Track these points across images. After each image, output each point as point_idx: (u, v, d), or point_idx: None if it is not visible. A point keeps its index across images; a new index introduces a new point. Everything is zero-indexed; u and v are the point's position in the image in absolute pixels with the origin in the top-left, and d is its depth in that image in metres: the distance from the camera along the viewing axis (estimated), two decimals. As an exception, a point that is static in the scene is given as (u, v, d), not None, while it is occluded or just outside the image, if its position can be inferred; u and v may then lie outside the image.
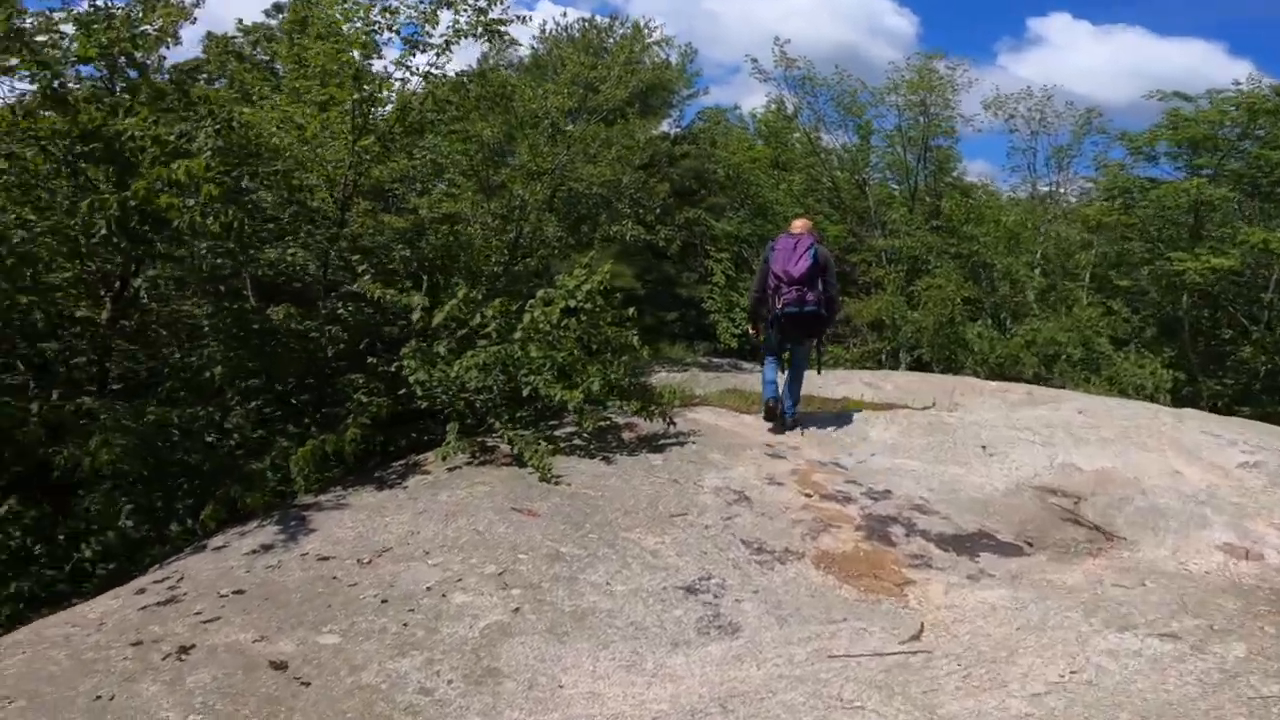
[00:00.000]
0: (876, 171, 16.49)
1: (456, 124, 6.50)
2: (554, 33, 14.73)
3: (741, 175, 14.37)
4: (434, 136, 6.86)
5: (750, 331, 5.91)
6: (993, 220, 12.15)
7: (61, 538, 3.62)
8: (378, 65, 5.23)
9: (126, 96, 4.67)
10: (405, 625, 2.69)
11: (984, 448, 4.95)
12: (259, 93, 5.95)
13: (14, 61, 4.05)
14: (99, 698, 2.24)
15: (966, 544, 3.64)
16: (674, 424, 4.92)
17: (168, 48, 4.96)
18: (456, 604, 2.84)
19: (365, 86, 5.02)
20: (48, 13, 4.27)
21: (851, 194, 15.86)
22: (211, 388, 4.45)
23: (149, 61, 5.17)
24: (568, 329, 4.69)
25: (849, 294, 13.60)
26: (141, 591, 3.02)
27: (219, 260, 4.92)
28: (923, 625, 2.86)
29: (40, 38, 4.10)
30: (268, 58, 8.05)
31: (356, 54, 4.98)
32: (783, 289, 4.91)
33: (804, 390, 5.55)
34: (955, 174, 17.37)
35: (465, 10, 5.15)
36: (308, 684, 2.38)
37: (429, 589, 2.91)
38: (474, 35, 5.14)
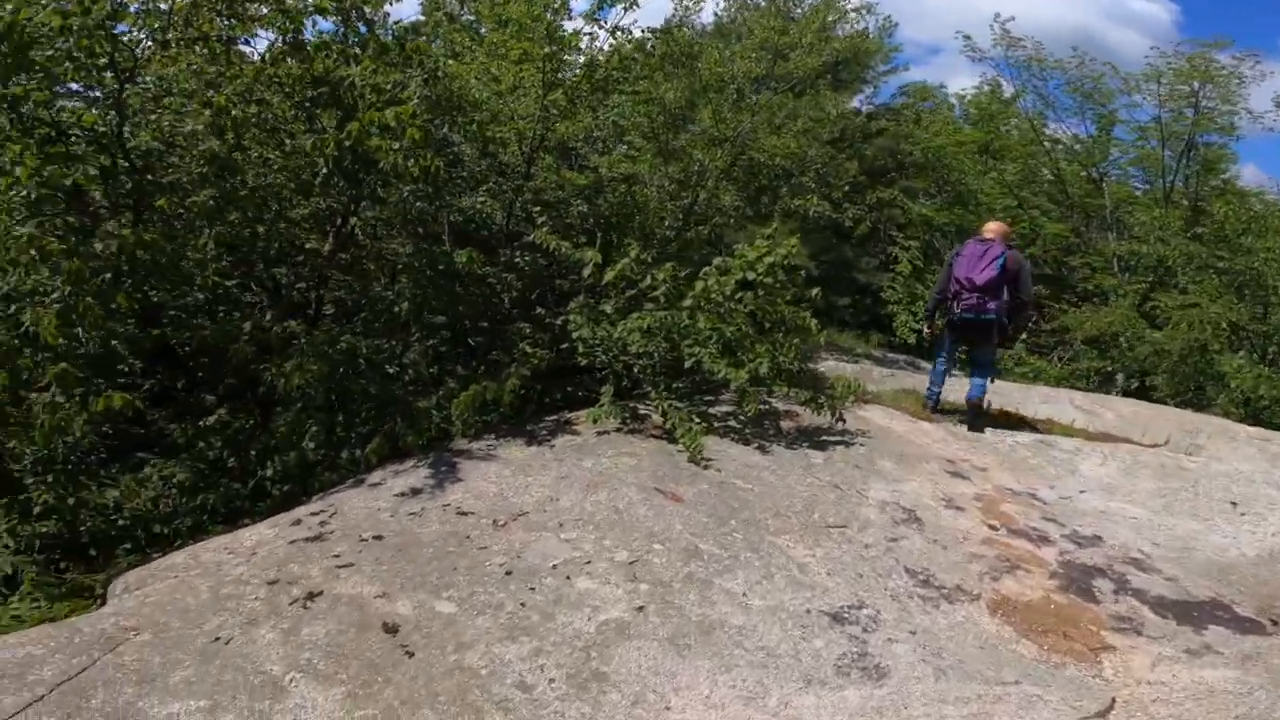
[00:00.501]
0: (1115, 167, 14.20)
1: (640, 83, 6.38)
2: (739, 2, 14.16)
3: (942, 159, 12.97)
4: (619, 96, 6.83)
5: (925, 331, 5.55)
6: (1280, 232, 9.71)
7: (253, 454, 3.96)
8: (568, 26, 5.34)
9: (357, 50, 5.07)
10: (523, 605, 2.58)
11: (1234, 504, 4.04)
12: (463, 46, 6.26)
13: (265, 10, 4.44)
14: (217, 639, 2.30)
15: (1193, 613, 2.95)
16: (843, 420, 4.47)
17: (390, 4, 5.28)
18: (579, 590, 2.68)
19: (555, 44, 5.07)
20: (289, -35, 4.62)
21: (1081, 190, 13.77)
22: (398, 322, 4.71)
23: (375, 17, 5.59)
24: (740, 302, 4.41)
25: (1063, 301, 11.94)
26: (297, 523, 3.15)
27: (418, 203, 5.21)
28: (1113, 701, 2.36)
29: (284, -11, 4.45)
30: (473, 18, 8.48)
31: (549, 13, 5.05)
32: (963, 295, 4.71)
33: (999, 404, 4.91)
34: (1225, 176, 14.53)
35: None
36: (411, 654, 2.32)
37: (555, 567, 2.78)
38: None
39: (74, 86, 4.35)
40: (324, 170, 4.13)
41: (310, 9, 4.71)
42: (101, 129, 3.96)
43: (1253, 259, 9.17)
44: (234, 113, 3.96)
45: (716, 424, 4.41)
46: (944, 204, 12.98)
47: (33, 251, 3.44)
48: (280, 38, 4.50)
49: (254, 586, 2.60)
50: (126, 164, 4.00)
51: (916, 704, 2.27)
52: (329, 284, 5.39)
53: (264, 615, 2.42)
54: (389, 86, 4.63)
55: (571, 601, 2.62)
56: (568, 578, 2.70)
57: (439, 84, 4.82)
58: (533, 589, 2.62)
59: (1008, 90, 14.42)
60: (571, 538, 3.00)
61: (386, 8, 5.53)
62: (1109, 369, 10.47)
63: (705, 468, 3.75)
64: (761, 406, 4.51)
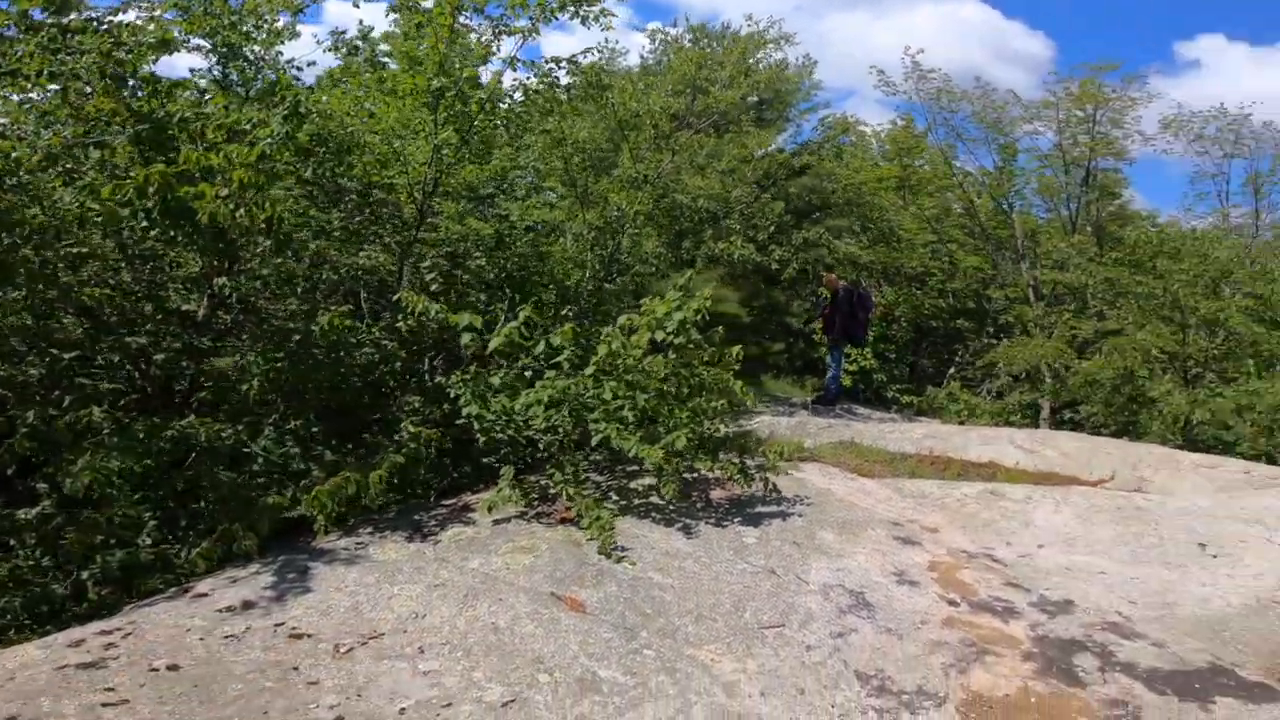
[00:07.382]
0: (1019, 197, 14.65)
1: (550, 121, 5.97)
2: (663, 42, 14.26)
3: (863, 197, 13.05)
4: (530, 137, 6.41)
5: None
6: (1196, 255, 9.80)
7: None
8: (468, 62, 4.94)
9: (239, 90, 4.57)
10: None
11: (1202, 545, 3.67)
12: (356, 84, 5.76)
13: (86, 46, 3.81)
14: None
15: (1194, 684, 2.49)
16: (776, 489, 3.94)
17: (284, 43, 4.83)
18: (427, 755, 1.97)
19: (445, 77, 4.60)
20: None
21: (993, 221, 14.11)
22: (248, 402, 3.93)
23: (265, 56, 5.10)
24: (653, 365, 3.84)
25: (984, 334, 12.02)
26: (77, 644, 2.40)
27: (277, 260, 4.48)
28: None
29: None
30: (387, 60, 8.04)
31: (442, 43, 4.63)
32: None
33: (940, 449, 5.29)
34: (1119, 201, 15.17)
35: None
36: None
37: (402, 712, 2.08)
38: (564, 10, 4.52)
39: None
40: (141, 224, 3.42)
41: (148, 48, 4.13)
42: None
43: (1169, 281, 9.27)
44: (15, 154, 3.26)
45: (637, 501, 3.82)
46: (869, 242, 13.02)
47: None
48: (102, 76, 3.86)
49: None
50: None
51: None
52: (199, 355, 4.60)
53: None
54: (247, 125, 4.03)
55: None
56: (417, 736, 2.00)
57: (301, 120, 4.21)
58: (364, 756, 1.91)
59: (921, 123, 14.79)
60: (433, 668, 2.30)
61: (279, 48, 5.10)
62: (1037, 399, 10.43)
63: (617, 560, 3.13)
64: (690, 475, 3.97)
